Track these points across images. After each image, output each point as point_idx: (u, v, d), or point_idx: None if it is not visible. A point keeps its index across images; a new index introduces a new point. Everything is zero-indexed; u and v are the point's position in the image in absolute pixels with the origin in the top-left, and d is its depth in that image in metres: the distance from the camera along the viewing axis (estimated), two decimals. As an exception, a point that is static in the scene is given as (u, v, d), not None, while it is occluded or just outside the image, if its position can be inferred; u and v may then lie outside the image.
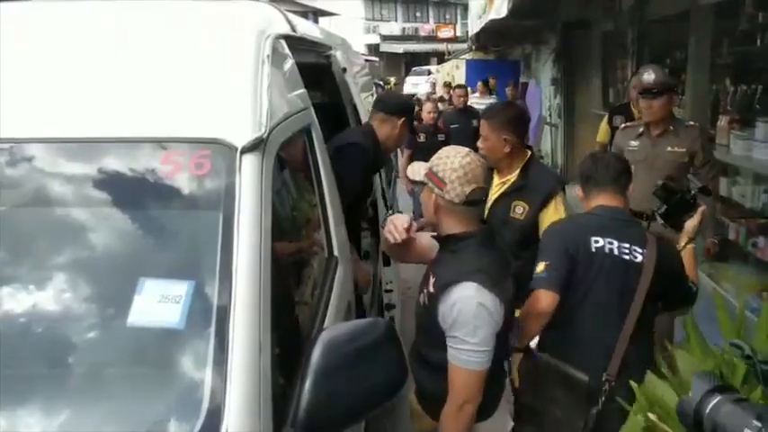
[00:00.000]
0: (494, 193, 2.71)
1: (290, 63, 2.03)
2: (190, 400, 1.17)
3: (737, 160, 4.37)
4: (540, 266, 2.21)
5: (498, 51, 15.97)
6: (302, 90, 2.08)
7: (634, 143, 3.47)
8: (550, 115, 10.59)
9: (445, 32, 33.47)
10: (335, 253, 2.05)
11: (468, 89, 8.59)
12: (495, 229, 2.10)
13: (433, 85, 20.33)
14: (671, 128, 3.39)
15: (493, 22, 9.61)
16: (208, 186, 1.41)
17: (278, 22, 2.09)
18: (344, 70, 3.42)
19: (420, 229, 2.11)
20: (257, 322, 1.25)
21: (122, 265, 1.37)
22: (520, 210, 2.70)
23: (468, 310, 1.76)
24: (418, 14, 43.44)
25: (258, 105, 1.53)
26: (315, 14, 20.73)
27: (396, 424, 2.83)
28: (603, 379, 2.14)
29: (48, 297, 1.33)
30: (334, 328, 1.40)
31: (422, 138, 6.14)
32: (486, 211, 2.46)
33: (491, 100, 9.76)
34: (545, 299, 2.15)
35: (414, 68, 33.23)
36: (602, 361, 2.16)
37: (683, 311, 2.33)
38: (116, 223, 1.41)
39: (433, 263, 1.98)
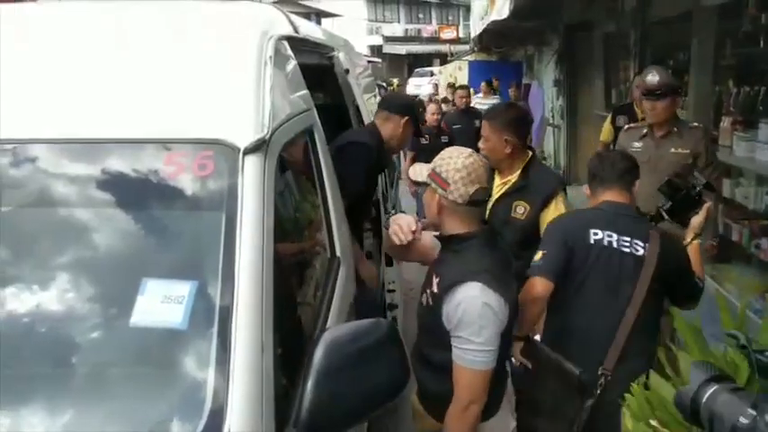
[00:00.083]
0: (495, 194, 2.72)
1: (292, 64, 2.04)
2: (192, 400, 1.17)
3: (740, 162, 4.36)
4: (538, 255, 2.27)
5: (501, 53, 15.97)
6: (305, 91, 2.09)
7: (638, 144, 3.47)
8: (553, 116, 10.59)
9: (448, 34, 33.51)
10: (338, 253, 2.05)
11: (471, 90, 8.60)
12: (496, 229, 2.11)
13: (436, 86, 20.32)
14: (675, 129, 3.39)
15: (494, 23, 9.61)
16: (210, 187, 1.41)
17: (280, 24, 2.10)
18: (347, 71, 3.43)
19: (423, 229, 2.12)
20: (260, 323, 1.25)
21: (125, 265, 1.37)
22: (521, 210, 2.72)
23: (474, 309, 1.76)
24: (421, 16, 43.46)
25: (261, 106, 1.53)
26: (317, 16, 20.76)
27: (398, 424, 2.83)
28: (599, 372, 2.16)
29: (51, 297, 1.33)
30: (336, 329, 1.40)
31: (425, 139, 6.14)
32: (488, 212, 2.46)
33: (494, 100, 9.77)
34: (539, 285, 2.20)
35: (416, 70, 33.24)
36: (599, 353, 2.18)
37: (689, 308, 2.36)
38: (119, 224, 1.41)
39: (435, 263, 1.98)
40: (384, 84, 16.42)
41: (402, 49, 38.70)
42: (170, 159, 1.44)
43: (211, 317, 1.24)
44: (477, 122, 6.35)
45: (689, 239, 2.49)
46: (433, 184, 1.90)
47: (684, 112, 4.93)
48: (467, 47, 20.50)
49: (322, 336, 1.32)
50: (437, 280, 1.88)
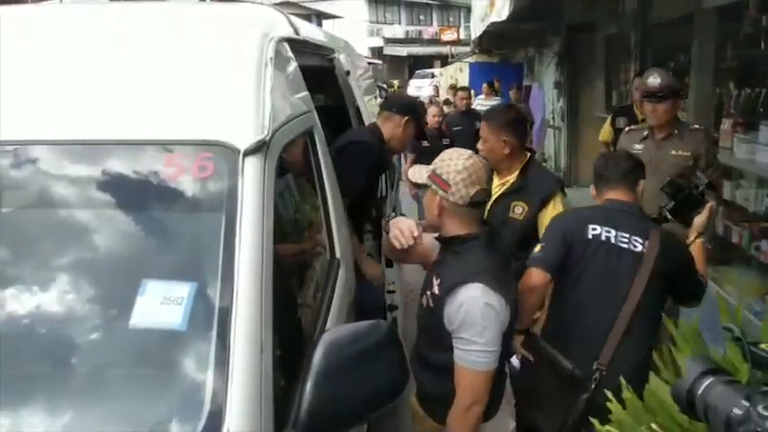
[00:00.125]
0: (493, 194, 2.72)
1: (292, 66, 2.04)
2: (191, 402, 1.18)
3: (741, 163, 4.37)
4: (537, 248, 2.33)
5: (502, 54, 15.98)
6: (305, 93, 2.09)
7: (638, 146, 3.47)
8: (553, 118, 10.59)
9: (449, 35, 33.47)
10: (338, 255, 2.05)
11: (472, 92, 8.60)
12: (494, 229, 2.11)
13: (437, 88, 20.33)
14: (675, 131, 3.39)
15: (494, 25, 9.61)
16: (210, 189, 1.41)
17: (281, 25, 2.10)
18: (348, 73, 3.43)
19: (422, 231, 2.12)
20: (259, 324, 1.25)
21: (125, 266, 1.37)
22: (519, 210, 2.73)
23: (476, 310, 1.77)
24: (422, 17, 43.50)
25: (261, 108, 1.54)
26: (318, 17, 20.75)
27: (398, 426, 2.83)
28: (594, 367, 2.17)
29: (51, 298, 1.34)
30: (335, 330, 1.40)
31: (426, 142, 6.12)
32: (486, 212, 2.47)
33: (496, 102, 9.77)
34: (535, 275, 2.25)
35: (417, 71, 33.26)
36: (595, 347, 2.20)
37: (692, 305, 2.40)
38: (119, 225, 1.42)
39: (435, 264, 1.99)
40: (385, 85, 16.44)
41: (403, 50, 38.71)
42: (170, 161, 1.45)
43: (211, 318, 1.24)
44: (477, 124, 6.30)
45: (692, 238, 2.51)
46: (434, 186, 1.90)
47: (685, 113, 4.93)
48: (468, 48, 20.50)
49: (321, 337, 1.32)
50: (438, 281, 1.88)
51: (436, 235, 2.00)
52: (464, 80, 15.19)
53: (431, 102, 11.14)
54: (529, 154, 2.87)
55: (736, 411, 0.96)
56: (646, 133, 3.48)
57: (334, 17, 24.95)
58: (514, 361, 2.32)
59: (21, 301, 1.32)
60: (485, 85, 10.96)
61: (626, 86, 6.99)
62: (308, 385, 1.24)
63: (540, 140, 10.40)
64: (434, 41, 38.01)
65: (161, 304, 1.24)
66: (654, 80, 3.38)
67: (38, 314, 1.31)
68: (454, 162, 1.87)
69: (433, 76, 28.25)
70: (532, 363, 2.33)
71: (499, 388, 1.99)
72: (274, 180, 1.52)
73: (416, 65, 37.52)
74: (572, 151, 9.57)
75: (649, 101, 3.39)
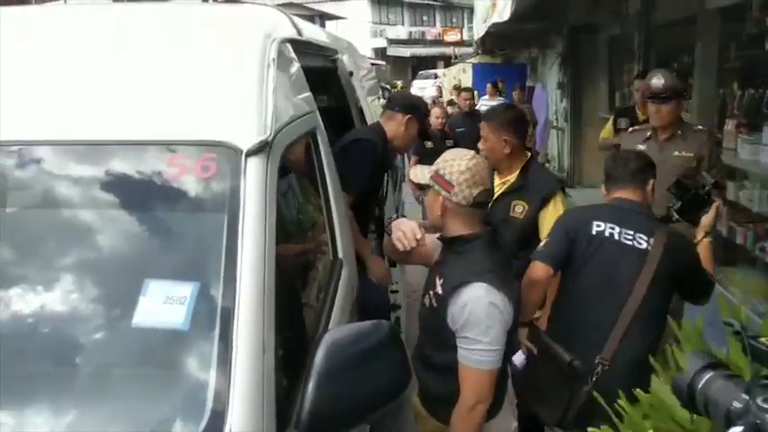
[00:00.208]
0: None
1: (295, 67, 2.04)
2: (193, 401, 1.18)
3: (745, 164, 4.36)
4: (542, 243, 2.41)
5: (505, 55, 15.97)
6: (308, 93, 2.09)
7: (641, 147, 3.46)
8: (557, 119, 10.58)
9: (452, 36, 33.48)
10: (340, 255, 2.05)
11: (475, 93, 8.59)
12: (495, 228, 2.12)
13: (439, 88, 20.31)
14: (678, 132, 3.38)
15: (497, 25, 9.61)
16: (213, 189, 1.41)
17: (284, 26, 2.10)
18: (351, 74, 3.44)
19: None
20: (261, 324, 1.26)
21: (128, 266, 1.38)
22: (519, 209, 2.75)
23: (480, 310, 1.77)
24: (425, 18, 43.52)
25: (263, 109, 1.54)
26: (321, 18, 20.79)
27: (401, 427, 2.83)
28: (596, 361, 2.20)
29: (54, 298, 1.34)
30: (337, 330, 1.40)
31: (429, 144, 6.08)
32: (486, 211, 2.50)
33: (500, 102, 9.75)
34: (537, 269, 2.31)
35: (420, 72, 33.26)
36: (596, 342, 2.23)
37: (700, 303, 2.42)
38: (122, 225, 1.42)
39: (437, 264, 1.99)
40: (388, 86, 16.43)
41: (406, 51, 38.73)
42: (173, 161, 1.45)
43: (213, 318, 1.24)
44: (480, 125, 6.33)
45: (700, 237, 2.53)
46: (437, 186, 1.90)
47: (689, 114, 4.92)
48: (471, 49, 20.51)
49: (323, 337, 1.32)
50: (440, 281, 1.88)
51: (438, 235, 2.00)
52: (467, 81, 15.16)
53: (434, 103, 11.14)
54: (529, 154, 2.89)
55: (736, 404, 0.97)
56: (649, 134, 3.48)
57: (337, 18, 24.98)
58: (516, 360, 2.34)
59: (23, 301, 1.33)
60: (489, 86, 10.95)
61: (629, 87, 6.97)
62: (310, 385, 1.24)
63: (543, 141, 10.38)
64: (437, 42, 38.01)
65: (164, 304, 1.24)
66: (657, 81, 3.37)
67: (40, 313, 1.31)
68: (457, 162, 1.87)
69: (436, 76, 28.23)
70: (536, 356, 2.36)
71: (502, 387, 2.00)
72: (277, 180, 1.52)
73: (419, 66, 37.53)
74: (575, 152, 9.56)
75: (653, 102, 3.38)
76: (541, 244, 2.39)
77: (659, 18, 6.06)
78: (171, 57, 1.70)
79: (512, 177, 2.81)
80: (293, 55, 2.05)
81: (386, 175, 3.41)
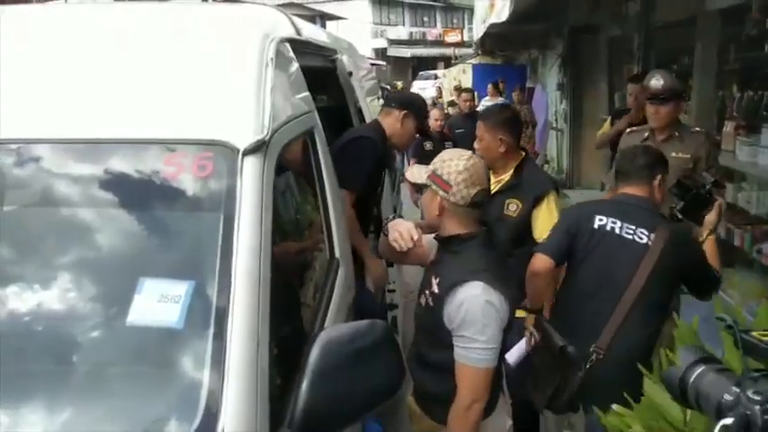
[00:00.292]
0: None
1: (294, 66, 2.05)
2: (187, 400, 1.18)
3: (743, 166, 4.36)
4: (546, 235, 2.49)
5: (505, 56, 15.97)
6: (306, 93, 2.09)
7: None
8: (556, 120, 10.58)
9: (452, 37, 33.46)
10: (337, 255, 2.05)
11: (475, 93, 8.59)
12: (491, 227, 2.13)
13: (439, 89, 20.31)
14: (676, 133, 3.38)
15: (495, 26, 9.62)
16: (209, 188, 1.42)
17: (283, 26, 2.11)
18: (350, 74, 3.44)
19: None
20: (256, 323, 1.26)
21: (123, 264, 1.38)
22: (513, 207, 2.80)
23: (477, 308, 1.78)
24: (426, 19, 43.51)
25: (261, 108, 1.54)
26: (322, 18, 20.76)
27: (397, 427, 2.83)
28: (591, 349, 2.27)
29: (48, 295, 1.34)
30: (332, 329, 1.41)
31: (428, 146, 6.06)
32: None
33: (502, 102, 9.74)
34: (539, 261, 2.40)
35: (420, 73, 33.25)
36: (594, 331, 2.29)
37: (707, 298, 2.47)
38: (117, 223, 1.43)
39: (433, 264, 2.00)
40: (388, 86, 16.41)
41: (407, 52, 38.70)
42: (170, 160, 1.45)
43: (208, 317, 1.24)
44: (479, 126, 6.31)
45: (705, 236, 2.57)
46: (434, 186, 1.90)
47: (688, 116, 4.92)
48: (471, 50, 20.51)
49: (318, 336, 1.32)
50: (437, 281, 1.89)
51: (434, 235, 2.00)
52: (467, 82, 15.16)
53: (434, 104, 11.13)
54: (524, 153, 2.94)
55: (727, 397, 0.98)
56: (646, 135, 3.48)
57: (338, 18, 24.95)
58: (509, 358, 2.40)
59: (17, 298, 1.33)
60: (490, 86, 10.95)
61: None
62: (304, 384, 1.25)
63: (542, 142, 10.38)
64: (438, 43, 38.00)
65: (158, 302, 1.24)
66: (657, 82, 3.38)
67: (35, 311, 1.31)
68: (455, 163, 1.88)
69: (436, 77, 28.22)
70: (537, 342, 2.47)
71: (497, 385, 2.00)
72: (273, 180, 1.52)
73: (420, 66, 37.52)
74: (574, 153, 9.56)
75: (652, 102, 3.38)
76: (545, 236, 2.48)
77: (659, 19, 6.06)
78: (169, 56, 1.70)
79: (506, 176, 2.85)
80: (292, 55, 2.05)
81: (384, 173, 3.41)
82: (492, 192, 2.75)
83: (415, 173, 2.00)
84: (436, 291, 1.87)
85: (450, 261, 1.91)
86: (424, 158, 5.58)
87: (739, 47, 4.72)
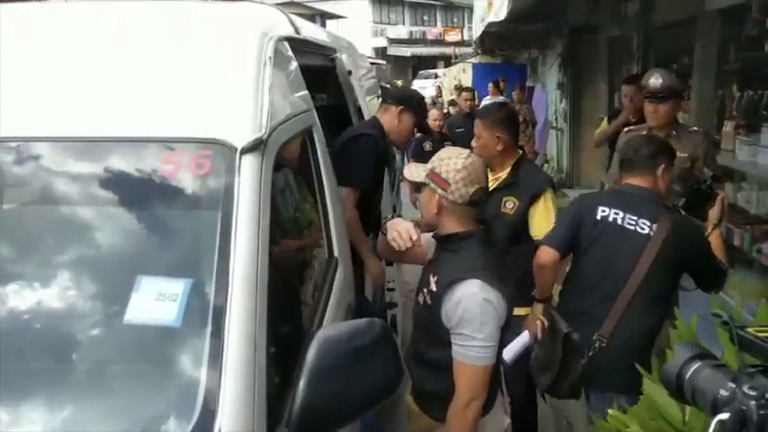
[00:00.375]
0: None
1: (292, 65, 2.05)
2: (184, 398, 1.18)
3: (743, 166, 4.35)
4: (550, 228, 2.56)
5: (505, 55, 15.96)
6: (304, 92, 2.09)
7: None
8: (556, 119, 10.58)
9: (453, 36, 33.45)
10: (335, 254, 2.05)
11: (475, 93, 8.58)
12: (489, 225, 2.14)
13: (439, 88, 20.29)
14: (673, 133, 3.38)
15: (491, 25, 9.61)
16: (207, 186, 1.42)
17: (281, 25, 2.10)
18: (349, 73, 3.44)
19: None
20: (253, 322, 1.26)
21: (120, 262, 1.38)
22: (510, 205, 2.82)
23: (474, 306, 1.79)
24: (426, 18, 43.47)
25: (259, 106, 1.54)
26: (322, 17, 20.75)
27: (396, 426, 2.83)
28: (594, 337, 2.32)
29: (45, 293, 1.34)
30: (329, 328, 1.41)
31: (428, 146, 6.03)
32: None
33: (503, 101, 9.74)
34: (543, 253, 2.46)
35: (420, 72, 33.25)
36: (598, 321, 2.35)
37: (714, 291, 2.52)
38: (115, 221, 1.42)
39: (431, 262, 2.00)
40: (388, 86, 16.39)
41: (407, 51, 38.69)
42: (168, 158, 1.45)
43: (205, 315, 1.24)
44: (480, 126, 6.30)
45: (710, 230, 2.60)
46: (433, 185, 1.90)
47: (687, 116, 4.92)
48: (471, 49, 20.49)
49: (315, 335, 1.32)
50: (435, 279, 1.89)
51: (433, 233, 2.00)
52: (467, 81, 15.14)
53: (433, 103, 11.13)
54: (521, 151, 2.97)
55: (723, 393, 0.99)
56: (644, 133, 3.48)
57: (338, 17, 24.93)
58: (506, 355, 2.42)
59: (14, 296, 1.33)
60: (491, 85, 10.96)
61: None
62: (302, 383, 1.24)
63: (542, 142, 10.38)
64: (438, 42, 37.98)
65: (156, 300, 1.24)
66: (656, 81, 3.37)
67: (32, 309, 1.31)
68: (453, 161, 1.88)
69: (436, 76, 28.21)
70: (544, 330, 2.55)
71: (495, 383, 2.00)
72: (272, 178, 1.52)
73: (420, 65, 37.51)
74: (574, 152, 9.56)
75: (650, 101, 3.38)
76: (545, 231, 2.54)
77: (658, 19, 6.05)
78: (168, 54, 1.70)
79: (503, 174, 2.87)
80: (290, 53, 2.05)
81: (385, 170, 3.41)
82: (489, 189, 2.77)
83: (414, 171, 2.00)
84: (434, 289, 1.88)
85: (449, 259, 1.91)
86: (424, 159, 5.53)
87: (739, 47, 4.72)
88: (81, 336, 1.29)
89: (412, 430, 2.15)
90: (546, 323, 2.55)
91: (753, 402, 0.94)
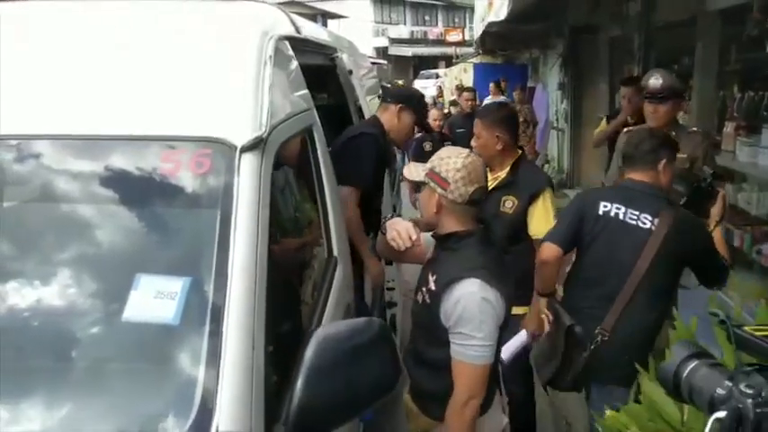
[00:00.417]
0: None
1: (293, 64, 2.05)
2: (182, 397, 1.18)
3: (743, 167, 4.35)
4: (553, 225, 2.59)
5: (506, 55, 15.95)
6: (305, 91, 2.09)
7: None
8: (557, 120, 10.58)
9: (454, 36, 33.47)
10: (335, 253, 2.05)
11: (476, 93, 8.57)
12: (488, 225, 2.14)
13: (440, 88, 20.29)
14: (673, 133, 3.37)
15: (492, 24, 9.61)
16: (207, 184, 1.42)
17: (282, 24, 2.11)
18: (350, 72, 3.44)
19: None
20: (252, 320, 1.26)
21: (119, 260, 1.38)
22: (509, 204, 2.83)
23: (473, 305, 1.79)
24: (427, 18, 43.45)
25: (259, 105, 1.54)
26: (324, 17, 20.73)
27: (395, 427, 2.83)
28: (596, 331, 2.35)
29: (43, 291, 1.34)
30: (328, 327, 1.41)
31: (428, 146, 6.01)
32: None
33: (504, 100, 9.73)
34: (546, 250, 2.47)
35: (421, 72, 33.25)
36: (600, 315, 2.37)
37: (716, 287, 2.56)
38: (114, 219, 1.42)
39: (430, 261, 2.00)
40: (389, 85, 16.38)
41: (408, 51, 38.67)
42: (167, 156, 1.45)
43: (204, 314, 1.24)
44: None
45: (712, 227, 2.62)
46: (432, 184, 1.91)
47: (688, 116, 4.92)
48: (472, 49, 20.48)
49: (313, 334, 1.32)
50: (434, 278, 1.89)
51: (432, 233, 2.01)
52: (468, 81, 15.13)
53: (434, 103, 11.13)
54: (520, 151, 2.98)
55: (720, 391, 1.00)
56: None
57: (339, 17, 24.91)
58: (503, 354, 2.43)
59: (12, 294, 1.33)
60: (492, 85, 10.96)
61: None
62: (300, 381, 1.24)
63: (543, 142, 10.38)
64: (439, 42, 37.99)
65: (154, 298, 1.24)
66: (656, 81, 3.38)
67: (30, 307, 1.31)
68: (453, 160, 1.88)
69: (437, 76, 28.21)
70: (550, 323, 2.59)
71: (493, 382, 2.00)
72: (271, 177, 1.52)
73: (421, 65, 37.49)
74: (575, 153, 9.57)
75: (650, 101, 3.38)
76: (552, 225, 2.57)
77: (659, 19, 6.05)
78: (168, 53, 1.70)
79: (503, 173, 2.88)
80: (291, 52, 2.05)
81: (386, 169, 3.41)
82: (489, 189, 2.78)
83: (413, 170, 2.00)
84: (433, 288, 1.88)
85: (448, 258, 1.92)
86: (424, 159, 5.52)
87: (740, 47, 4.72)
88: (79, 333, 1.29)
89: (410, 429, 2.15)
90: (550, 317, 2.57)
91: (749, 401, 0.95)
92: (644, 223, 2.36)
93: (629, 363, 2.08)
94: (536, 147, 9.72)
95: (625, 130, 3.83)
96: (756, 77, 4.52)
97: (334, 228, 2.10)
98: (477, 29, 14.30)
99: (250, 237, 1.34)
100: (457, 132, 6.75)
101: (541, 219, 2.78)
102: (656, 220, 2.35)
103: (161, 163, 1.45)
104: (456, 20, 43.10)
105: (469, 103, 7.43)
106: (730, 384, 0.99)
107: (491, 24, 9.73)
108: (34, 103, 1.54)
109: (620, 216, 2.40)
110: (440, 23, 43.24)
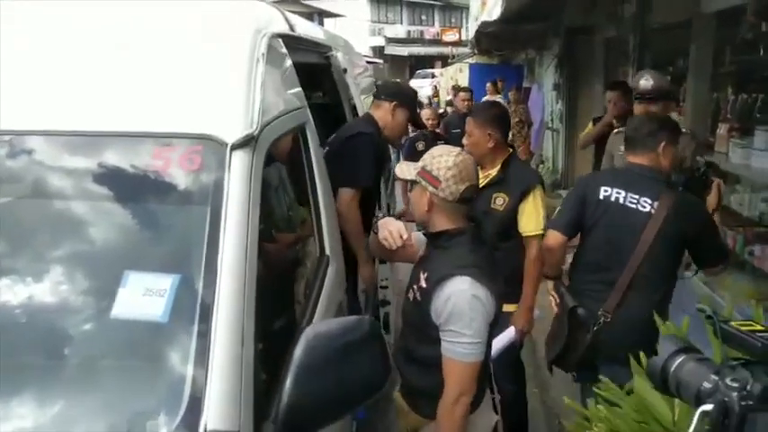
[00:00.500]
0: None
1: (286, 62, 2.04)
2: (170, 394, 1.18)
3: (736, 168, 4.36)
4: (556, 211, 2.65)
5: (502, 56, 15.97)
6: (298, 89, 2.09)
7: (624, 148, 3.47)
8: (552, 120, 10.59)
9: (450, 36, 33.46)
10: (327, 252, 2.05)
11: (473, 93, 8.57)
12: (479, 222, 2.14)
13: (435, 88, 20.30)
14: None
15: (486, 24, 9.60)
16: (197, 181, 1.41)
17: (276, 22, 2.10)
18: (345, 71, 3.43)
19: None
20: (241, 318, 1.25)
21: (109, 257, 1.38)
22: (500, 201, 2.85)
23: (463, 303, 1.79)
24: (423, 18, 43.46)
25: (250, 103, 1.54)
26: (320, 15, 20.70)
27: (388, 426, 2.83)
28: (599, 313, 2.40)
29: (32, 288, 1.33)
30: (318, 325, 1.41)
31: (420, 146, 5.99)
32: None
33: (500, 100, 9.74)
34: (550, 237, 2.55)
35: (417, 71, 33.27)
36: (602, 298, 2.42)
37: (716, 271, 2.64)
38: (104, 216, 1.42)
39: (422, 259, 2.00)
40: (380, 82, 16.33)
41: (404, 50, 38.68)
42: (158, 153, 1.45)
43: (193, 311, 1.24)
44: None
45: None
46: (423, 182, 1.91)
47: (682, 118, 4.93)
48: (468, 49, 20.49)
49: (303, 332, 1.32)
50: (425, 276, 1.89)
51: (421, 230, 2.01)
52: (464, 81, 15.17)
53: (429, 103, 11.12)
54: (511, 150, 3.01)
55: (706, 385, 1.02)
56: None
57: (335, 16, 24.87)
58: (496, 344, 2.46)
59: (1, 290, 1.32)
60: (489, 85, 10.98)
61: (623, 90, 6.98)
62: (289, 379, 1.24)
63: (538, 142, 10.40)
64: (436, 42, 37.97)
65: (143, 296, 1.24)
66: (646, 82, 3.39)
67: (18, 304, 1.31)
68: (444, 159, 1.89)
69: (433, 76, 28.24)
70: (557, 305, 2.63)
71: (483, 379, 2.01)
72: (262, 175, 1.52)
73: (417, 65, 37.50)
74: (569, 153, 9.57)
75: (640, 102, 3.40)
76: (555, 212, 2.62)
77: (655, 21, 6.07)
78: (160, 50, 1.70)
79: (493, 171, 2.90)
80: (284, 50, 2.04)
81: (382, 168, 3.41)
82: (480, 186, 2.79)
83: (405, 169, 2.00)
84: (424, 285, 1.88)
85: (439, 256, 1.92)
86: (416, 158, 5.50)
87: (734, 49, 4.73)
88: (67, 330, 1.28)
89: (401, 427, 2.15)
90: (557, 299, 2.62)
91: (735, 394, 0.97)
92: (644, 206, 2.39)
93: (633, 345, 2.07)
94: (531, 147, 9.73)
95: (615, 131, 3.84)
96: (750, 80, 4.54)
97: (327, 226, 2.09)
98: (472, 28, 14.31)
99: (240, 234, 1.34)
100: (452, 133, 6.73)
101: (531, 216, 2.80)
102: (656, 203, 2.38)
103: (152, 160, 1.44)
104: (453, 20, 43.12)
105: (466, 103, 7.39)
106: (716, 378, 1.01)
107: (485, 24, 9.72)
108: (24, 100, 1.53)
109: (621, 200, 2.43)
110: (436, 23, 43.26)
